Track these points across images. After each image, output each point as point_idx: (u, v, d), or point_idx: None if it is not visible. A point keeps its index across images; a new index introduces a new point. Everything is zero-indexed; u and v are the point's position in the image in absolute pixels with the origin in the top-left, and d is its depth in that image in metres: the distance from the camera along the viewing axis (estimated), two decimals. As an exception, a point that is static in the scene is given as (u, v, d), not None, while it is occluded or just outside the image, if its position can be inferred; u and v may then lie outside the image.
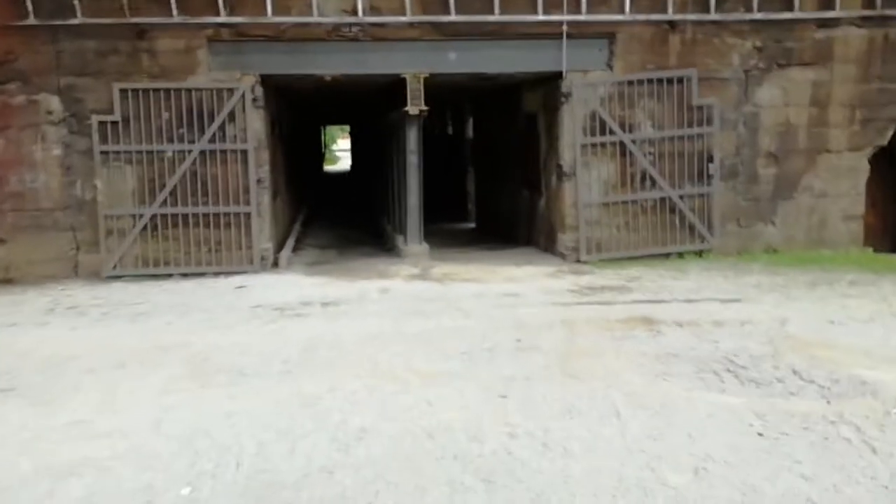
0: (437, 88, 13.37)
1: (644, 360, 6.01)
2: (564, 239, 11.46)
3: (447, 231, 18.45)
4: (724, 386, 5.40)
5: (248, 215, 10.81)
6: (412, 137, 11.79)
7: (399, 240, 13.29)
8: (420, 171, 11.92)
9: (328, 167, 50.73)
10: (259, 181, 10.86)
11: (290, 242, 13.26)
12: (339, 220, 21.67)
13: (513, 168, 14.62)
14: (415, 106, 11.25)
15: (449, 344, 6.64)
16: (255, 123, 10.83)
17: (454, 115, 21.29)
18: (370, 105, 17.76)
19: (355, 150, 38.34)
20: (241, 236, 10.84)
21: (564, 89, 11.20)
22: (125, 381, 5.85)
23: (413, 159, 11.82)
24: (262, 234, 11.00)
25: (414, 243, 12.07)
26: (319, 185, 31.77)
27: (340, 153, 58.80)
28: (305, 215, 19.82)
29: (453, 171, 21.02)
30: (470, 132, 19.57)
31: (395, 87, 12.49)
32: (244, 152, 10.74)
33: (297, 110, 20.38)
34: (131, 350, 6.74)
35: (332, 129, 53.92)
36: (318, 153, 39.90)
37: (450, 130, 22.32)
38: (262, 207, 10.98)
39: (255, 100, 10.74)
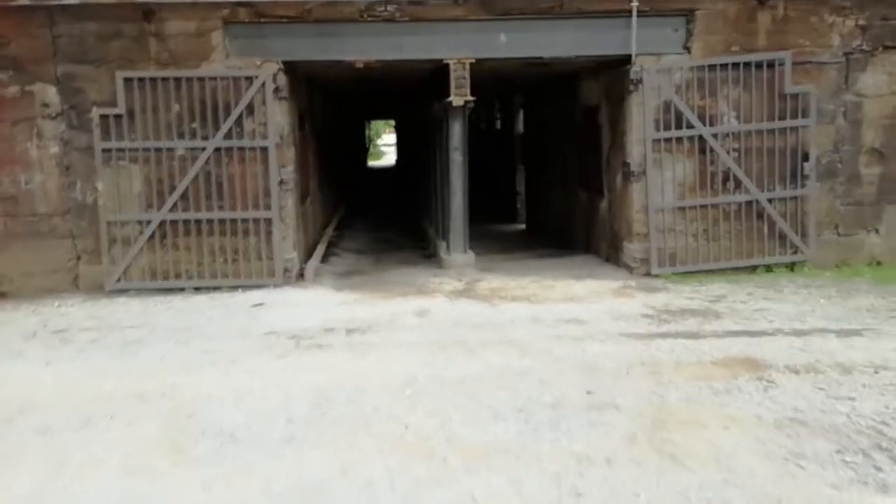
0: (485, 77, 11.91)
1: (762, 430, 4.50)
2: (632, 249, 9.92)
3: (494, 233, 17.00)
4: (885, 479, 3.87)
5: (268, 221, 9.47)
6: (456, 132, 10.34)
7: (441, 246, 11.87)
8: (465, 171, 10.47)
9: (373, 163, 49.65)
10: (282, 182, 9.51)
11: (321, 250, 11.90)
12: (380, 220, 20.34)
13: (568, 166, 13.10)
14: (459, 96, 9.80)
15: (499, 396, 5.20)
16: (278, 117, 9.47)
17: (503, 107, 19.79)
18: (412, 97, 16.36)
19: (400, 145, 36.99)
20: (260, 245, 9.52)
21: (633, 76, 9.65)
22: (80, 449, 4.52)
23: (457, 157, 10.37)
24: (286, 243, 9.65)
25: (458, 252, 10.63)
26: (361, 182, 30.52)
27: (386, 148, 57.51)
28: (342, 216, 18.53)
29: (501, 168, 19.53)
30: (520, 126, 18.06)
31: (437, 76, 11.06)
32: (264, 150, 9.40)
33: (336, 103, 19.09)
34: (104, 398, 5.42)
35: (377, 124, 52.98)
36: (361, 148, 38.74)
37: (498, 125, 20.83)
38: (285, 212, 9.64)
39: (277, 90, 9.39)
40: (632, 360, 5.91)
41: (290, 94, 10.03)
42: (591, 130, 11.78)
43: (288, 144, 9.81)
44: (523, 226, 17.59)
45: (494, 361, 6.05)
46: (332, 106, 18.25)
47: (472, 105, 10.17)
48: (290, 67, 9.84)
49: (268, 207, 9.45)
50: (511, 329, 7.15)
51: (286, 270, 9.61)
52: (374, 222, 19.81)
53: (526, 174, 17.09)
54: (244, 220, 9.47)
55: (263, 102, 9.36)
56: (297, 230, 10.20)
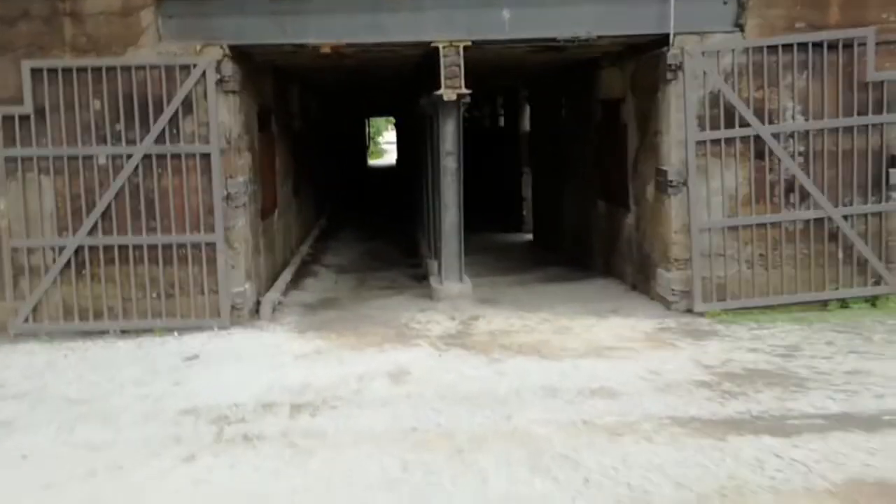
0: (485, 66, 9.94)
1: None
2: (669, 278, 7.94)
3: (497, 245, 15.03)
4: None
5: (212, 246, 7.53)
6: (449, 133, 8.37)
7: (432, 269, 9.93)
8: (460, 181, 8.49)
9: (374, 161, 47.76)
10: (229, 197, 7.56)
11: (287, 275, 9.91)
12: (374, 226, 18.40)
13: (584, 171, 11.12)
14: (451, 88, 7.84)
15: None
16: (224, 115, 7.52)
17: (507, 102, 17.79)
18: (408, 91, 14.38)
19: (400, 144, 35.01)
20: (202, 277, 7.57)
21: (671, 61, 7.67)
22: None
23: (450, 163, 8.40)
24: (235, 273, 7.70)
25: (452, 280, 8.67)
26: (359, 183, 28.57)
27: (387, 146, 55.59)
28: (329, 225, 16.58)
29: (505, 171, 17.54)
30: (526, 124, 16.07)
31: (427, 65, 9.11)
32: (206, 157, 7.44)
33: (325, 99, 17.15)
34: None
35: (378, 121, 51.05)
36: (361, 147, 36.80)
37: (501, 122, 18.83)
38: (234, 234, 7.68)
39: (222, 81, 7.44)
40: (705, 486, 3.92)
41: (244, 87, 8.08)
42: (612, 129, 9.81)
43: (239, 149, 7.86)
44: (530, 236, 15.62)
45: (494, 483, 4.07)
46: (319, 102, 16.31)
47: (467, 100, 8.21)
48: (242, 54, 7.89)
49: (211, 229, 7.50)
50: (517, 409, 5.19)
51: (235, 308, 7.66)
52: (366, 229, 17.86)
53: (533, 178, 15.11)
54: (181, 246, 7.53)
55: (205, 97, 7.40)
56: (252, 255, 8.25)
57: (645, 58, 8.38)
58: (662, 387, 5.58)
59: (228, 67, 7.45)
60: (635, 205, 9.00)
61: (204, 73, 7.33)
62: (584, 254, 11.31)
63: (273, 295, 8.47)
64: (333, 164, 19.71)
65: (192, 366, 6.50)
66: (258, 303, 8.23)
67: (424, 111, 9.43)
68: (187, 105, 7.39)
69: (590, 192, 10.87)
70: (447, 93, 7.80)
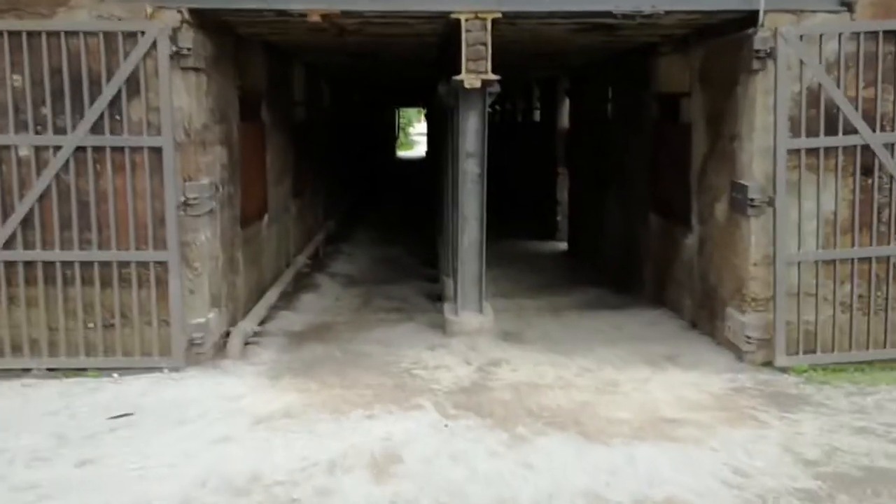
0: (518, 49, 8.27)
1: None
2: (743, 322, 6.21)
3: (527, 255, 13.30)
4: None
5: (163, 266, 5.92)
6: (471, 130, 6.67)
7: (448, 289, 8.29)
8: (482, 189, 6.79)
9: (403, 153, 46.16)
10: (187, 204, 5.94)
11: (270, 297, 8.23)
12: (394, 227, 16.77)
13: (632, 178, 9.39)
14: (474, 73, 6.15)
15: None
16: (182, 99, 5.90)
17: (544, 94, 16.02)
18: (427, 77, 12.70)
19: (430, 135, 33.27)
20: (152, 304, 5.97)
21: (760, 45, 5.93)
22: None
23: (472, 168, 6.71)
24: (195, 299, 6.10)
25: (470, 310, 7.00)
26: (384, 177, 26.98)
27: (419, 137, 53.95)
28: (342, 226, 14.96)
29: (539, 170, 15.79)
30: (564, 120, 14.31)
31: (448, 45, 7.46)
32: (157, 152, 5.83)
33: (343, 85, 15.55)
34: None
35: (410, 111, 49.41)
36: (388, 139, 35.22)
37: (537, 115, 17.08)
38: (193, 251, 6.07)
39: (179, 55, 5.81)
40: None
41: (215, 65, 6.48)
42: (672, 130, 8.10)
43: (203, 143, 6.24)
44: (564, 245, 13.88)
45: None
46: (334, 89, 14.70)
47: (495, 88, 6.52)
48: (212, 23, 6.28)
49: (163, 244, 5.89)
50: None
51: (193, 344, 6.06)
52: (386, 230, 16.25)
53: (571, 181, 13.35)
54: (124, 265, 5.94)
55: (156, 75, 5.78)
56: (222, 274, 6.65)
57: (720, 42, 6.64)
58: (754, 498, 3.89)
59: (188, 37, 5.82)
60: (699, 224, 7.26)
61: (154, 44, 5.72)
62: (629, 274, 9.58)
63: (247, 325, 6.83)
64: (352, 157, 18.10)
65: (117, 430, 4.91)
66: (227, 334, 6.62)
67: (444, 102, 7.75)
68: (133, 84, 5.79)
69: (639, 202, 9.13)
70: (469, 79, 6.12)
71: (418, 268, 12.17)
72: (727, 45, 6.50)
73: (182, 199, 5.89)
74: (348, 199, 16.80)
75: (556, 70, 13.00)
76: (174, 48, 5.76)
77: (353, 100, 18.75)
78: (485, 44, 6.02)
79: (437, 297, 9.36)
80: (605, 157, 10.54)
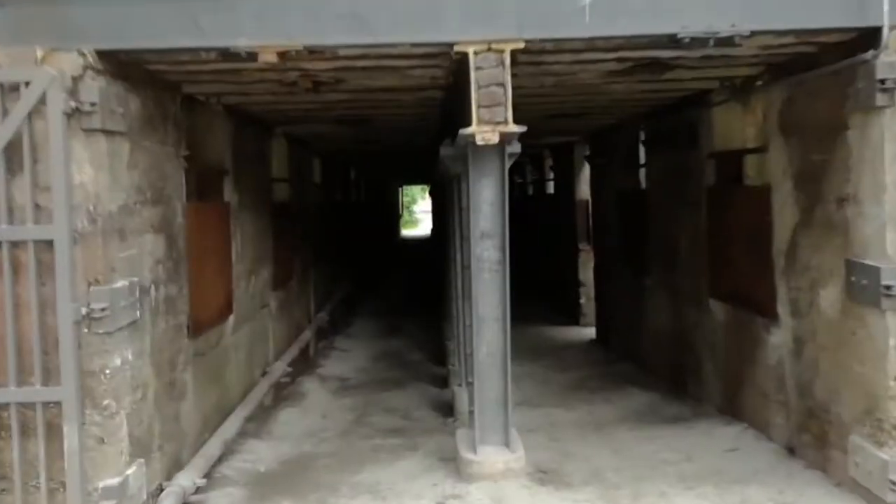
0: (534, 105, 6.69)
1: None
2: (885, 459, 4.38)
3: (548, 344, 11.48)
4: None
5: (56, 408, 4.15)
6: (485, 202, 4.94)
7: (460, 402, 6.57)
8: (505, 281, 5.01)
9: (407, 232, 44.83)
10: (91, 318, 4.20)
11: (230, 426, 6.35)
12: (397, 313, 15.04)
13: (682, 255, 7.67)
14: (488, 125, 4.45)
15: None
16: (84, 172, 4.22)
17: (558, 162, 14.43)
18: (428, 146, 11.12)
19: (435, 213, 31.73)
20: (40, 461, 4.18)
21: (886, 73, 4.27)
22: None
23: (489, 252, 4.96)
24: (107, 451, 4.31)
25: (492, 444, 5.18)
26: (387, 258, 25.35)
27: (423, 214, 52.79)
28: (338, 315, 13.21)
29: (557, 247, 14.09)
30: (584, 190, 12.68)
31: (453, 94, 5.84)
32: (48, 247, 4.12)
33: (339, 162, 14.06)
34: None
35: (414, 189, 48.27)
36: (391, 217, 33.74)
37: (550, 187, 15.46)
38: (103, 384, 4.30)
39: (79, 112, 4.16)
40: None
41: (143, 128, 4.84)
42: (737, 196, 6.43)
43: (120, 231, 4.52)
44: (591, 331, 12.06)
45: None
46: (328, 165, 13.18)
47: (516, 147, 4.84)
48: (135, 70, 4.67)
49: (56, 377, 4.13)
50: None
51: (100, 515, 4.24)
52: (388, 317, 14.54)
53: (597, 259, 11.60)
54: (3, 407, 4.17)
55: (52, 138, 4.12)
56: (152, 409, 4.87)
57: (811, 78, 4.98)
58: None
59: (93, 89, 4.18)
60: (793, 317, 5.49)
61: (44, 98, 4.07)
62: (683, 375, 7.77)
63: (185, 478, 4.98)
64: (350, 238, 16.47)
65: None
66: (159, 491, 4.80)
67: (448, 170, 6.07)
68: (15, 154, 4.13)
69: (693, 286, 7.38)
70: (483, 132, 4.42)
71: (424, 365, 10.41)
72: (824, 81, 4.85)
73: (84, 310, 4.16)
74: (345, 285, 15.09)
75: (575, 134, 11.41)
76: (72, 104, 4.12)
77: (349, 177, 17.24)
78: (502, 84, 4.36)
79: (447, 409, 7.59)
80: (641, 231, 8.83)
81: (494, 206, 4.88)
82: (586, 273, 12.55)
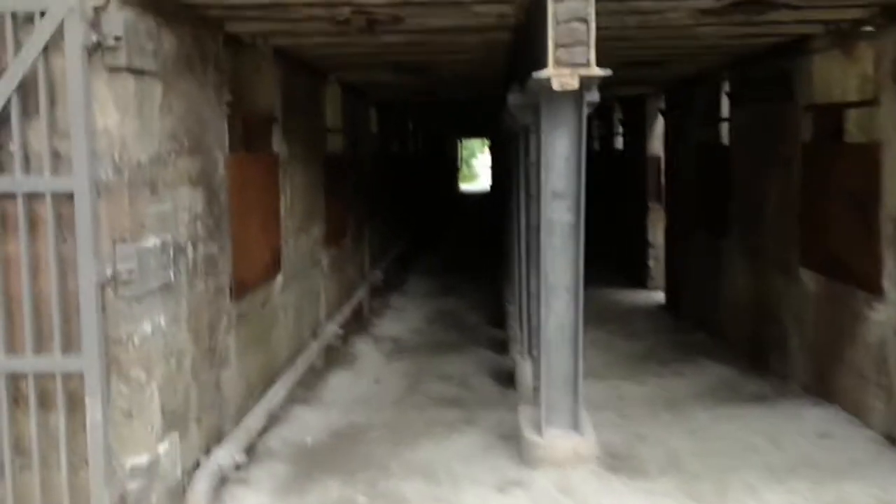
0: (610, 52, 6.01)
1: None
2: None
3: (614, 308, 10.90)
4: None
5: (78, 380, 3.75)
6: (558, 157, 4.34)
7: (522, 375, 6.05)
8: (578, 246, 4.43)
9: (466, 186, 44.23)
10: (116, 280, 3.77)
11: (278, 391, 5.94)
12: (454, 271, 14.59)
13: (766, 220, 6.98)
14: (567, 67, 3.83)
15: None
16: (109, 116, 3.75)
17: (628, 117, 13.65)
18: (491, 97, 10.49)
19: (494, 167, 31.07)
20: (61, 437, 3.80)
21: None
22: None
23: (561, 214, 4.38)
24: (135, 426, 3.91)
25: (559, 426, 4.67)
26: (444, 213, 24.87)
27: (483, 169, 52.12)
28: (394, 272, 12.81)
29: (625, 206, 13.39)
30: (656, 146, 11.95)
31: (523, 39, 5.24)
32: (69, 200, 3.69)
33: (395, 112, 13.55)
34: None
35: (474, 143, 47.53)
36: (449, 172, 33.20)
37: (618, 143, 14.70)
38: (130, 353, 3.88)
39: (101, 47, 3.67)
40: None
41: (179, 69, 4.37)
42: (838, 154, 5.70)
43: (152, 184, 4.07)
44: (659, 296, 11.43)
45: None
46: (384, 116, 12.67)
47: (595, 96, 4.23)
48: (170, 4, 4.17)
49: (76, 345, 3.73)
50: None
51: (127, 498, 3.85)
52: (445, 276, 14.09)
53: (668, 220, 10.90)
54: (17, 377, 3.79)
55: (78, 77, 3.66)
56: (190, 379, 4.47)
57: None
58: None
59: (118, 21, 3.68)
60: (905, 292, 4.83)
61: (62, 29, 3.60)
62: (763, 347, 7.14)
63: (224, 455, 4.58)
64: (407, 193, 15.99)
65: None
66: (195, 469, 4.42)
67: (515, 120, 5.48)
68: (30, 95, 3.68)
69: (780, 252, 6.71)
70: (560, 75, 3.81)
71: (482, 328, 9.93)
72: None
73: (109, 272, 3.73)
74: (402, 242, 14.65)
75: (649, 86, 10.65)
76: (94, 37, 3.64)
77: (407, 128, 16.69)
78: (585, 19, 3.75)
79: (507, 377, 7.10)
80: (721, 191, 8.13)
81: (569, 162, 4.29)
82: (656, 234, 11.88)
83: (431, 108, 14.87)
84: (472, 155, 53.64)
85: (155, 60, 4.06)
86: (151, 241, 4.00)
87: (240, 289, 5.44)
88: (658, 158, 11.78)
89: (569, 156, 4.30)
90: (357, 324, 9.71)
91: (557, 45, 3.74)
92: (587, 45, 3.74)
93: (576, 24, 3.71)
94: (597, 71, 3.77)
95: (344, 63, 7.59)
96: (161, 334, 4.13)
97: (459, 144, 38.75)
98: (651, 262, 12.15)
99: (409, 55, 6.85)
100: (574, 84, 3.78)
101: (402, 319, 10.60)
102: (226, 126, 5.23)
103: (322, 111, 8.39)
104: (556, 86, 3.78)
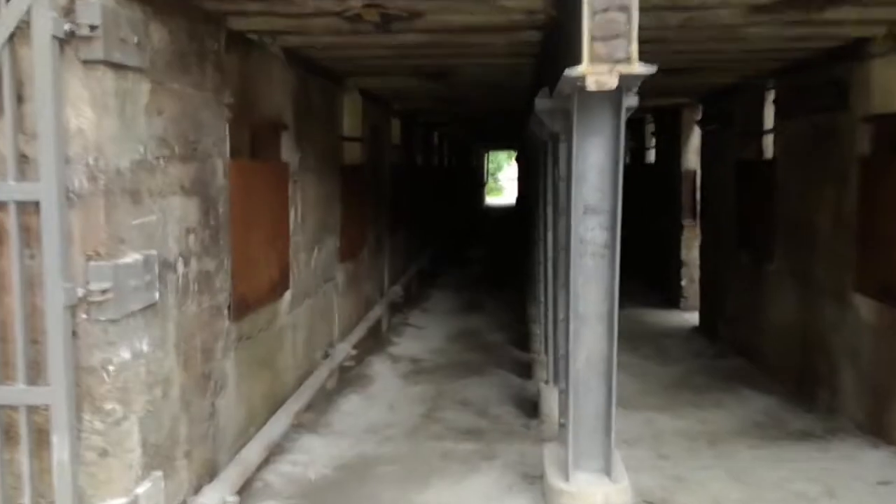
0: (652, 47, 5.53)
1: None
2: None
3: (645, 330, 10.34)
4: None
5: (43, 413, 3.30)
6: (592, 167, 3.84)
7: (546, 404, 5.55)
8: (614, 266, 3.92)
9: (492, 200, 43.81)
10: (88, 302, 3.32)
11: (279, 422, 5.46)
12: (478, 287, 14.12)
13: (816, 242, 6.42)
14: (604, 62, 3.33)
15: None
16: (82, 115, 3.32)
17: (661, 128, 13.12)
18: (517, 107, 10.02)
19: (522, 179, 30.50)
20: (24, 475, 3.35)
21: None
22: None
23: (594, 232, 3.88)
24: (110, 465, 3.45)
25: (589, 470, 4.15)
26: (469, 226, 24.38)
27: (509, 182, 51.81)
28: (415, 287, 12.36)
29: (657, 222, 12.83)
30: (690, 159, 11.40)
31: (554, 39, 4.76)
32: (35, 210, 3.25)
33: (419, 123, 13.14)
34: None
35: (500, 156, 47.12)
36: (475, 184, 32.75)
37: (650, 156, 14.16)
38: (105, 383, 3.43)
39: (74, 37, 3.24)
40: None
41: (171, 65, 3.94)
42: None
43: (134, 192, 3.63)
44: (693, 316, 10.84)
45: None
46: (408, 127, 12.28)
47: (633, 100, 3.74)
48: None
49: (44, 374, 3.29)
50: None
51: (99, 549, 3.40)
52: (468, 291, 13.62)
53: (704, 237, 10.32)
54: (-21, 408, 3.36)
55: (37, 70, 3.23)
56: (178, 410, 4.01)
57: None
58: None
59: (94, 7, 3.25)
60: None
61: (29, 15, 3.17)
62: (811, 379, 6.56)
63: (212, 495, 4.11)
64: (430, 205, 15.54)
65: None
66: (181, 511, 3.96)
67: (543, 127, 5.00)
68: (-4, 91, 3.26)
69: (833, 276, 6.15)
70: (596, 73, 3.31)
71: (505, 349, 9.42)
72: None
73: (80, 292, 3.29)
74: (425, 256, 14.19)
75: (685, 95, 10.11)
76: (67, 26, 3.21)
77: (431, 139, 16.26)
78: (626, 8, 3.25)
79: (531, 406, 6.59)
80: (765, 208, 7.57)
81: (604, 174, 3.80)
82: (689, 252, 11.32)
83: (457, 118, 14.44)
84: (499, 168, 53.26)
85: (140, 55, 3.62)
86: (132, 257, 3.55)
87: (240, 308, 4.99)
88: (693, 173, 11.23)
89: (604, 167, 3.81)
90: (375, 342, 9.26)
91: (594, 39, 3.25)
92: (628, 38, 3.25)
93: (615, 14, 3.23)
94: (639, 68, 3.27)
95: (362, 68, 7.15)
96: (143, 361, 3.68)
97: (486, 157, 38.31)
98: (684, 282, 11.57)
99: (430, 58, 6.40)
100: (612, 83, 3.28)
101: (422, 337, 10.13)
102: (227, 131, 4.79)
103: (339, 119, 7.96)
104: (591, 85, 3.28)
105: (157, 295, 3.78)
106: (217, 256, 4.61)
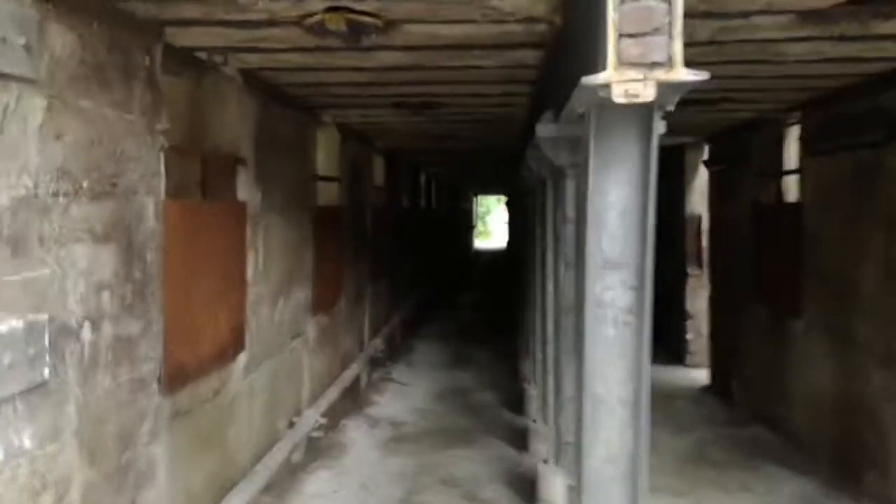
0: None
1: None
2: None
3: (653, 389, 9.35)
4: None
5: None
6: (613, 211, 2.98)
7: (547, 491, 4.58)
8: (642, 338, 3.05)
9: (481, 244, 43.11)
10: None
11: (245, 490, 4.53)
12: (467, 338, 13.20)
13: (855, 300, 5.56)
14: (637, 67, 2.47)
15: None
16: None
17: (665, 169, 12.31)
18: (511, 145, 9.21)
19: (512, 223, 29.75)
20: None
21: None
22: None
23: (614, 294, 3.00)
24: None
25: None
26: (458, 271, 23.50)
27: (498, 226, 51.32)
28: (399, 338, 11.43)
29: (658, 266, 11.92)
30: (695, 203, 10.61)
31: (565, 37, 3.93)
32: None
33: (404, 164, 12.33)
34: None
35: (489, 200, 46.61)
36: (464, 228, 31.98)
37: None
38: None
39: None
40: None
41: (82, 79, 3.10)
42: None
43: (14, 240, 2.75)
44: (702, 374, 9.92)
45: None
46: (391, 167, 11.47)
47: (660, 126, 2.87)
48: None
49: None
50: None
51: None
52: (456, 343, 12.75)
53: (714, 290, 9.46)
54: None
55: None
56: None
57: None
58: None
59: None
60: None
61: None
62: (856, 457, 5.65)
63: None
64: (416, 250, 14.66)
65: None
66: None
67: (541, 161, 4.14)
68: None
69: (881, 337, 5.28)
70: (626, 80, 2.44)
71: (496, 411, 8.51)
72: None
73: (-81, 375, 2.39)
74: (410, 305, 13.29)
75: (690, 133, 9.34)
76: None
77: (418, 181, 15.45)
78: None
79: (528, 487, 5.66)
80: (790, 257, 6.73)
81: (629, 217, 2.93)
82: (695, 303, 10.46)
83: (444, 159, 13.67)
84: (488, 211, 52.76)
85: (30, 62, 2.78)
86: (7, 325, 2.66)
87: (175, 378, 4.08)
88: (698, 217, 10.43)
89: (628, 206, 2.95)
90: (352, 402, 8.34)
91: (622, 35, 2.40)
92: (670, 34, 2.41)
93: (651, 2, 2.39)
94: (685, 74, 2.42)
95: (338, 98, 6.34)
96: (24, 461, 2.77)
97: (475, 200, 37.67)
98: (689, 336, 10.68)
99: (412, 85, 5.58)
100: (647, 95, 2.42)
101: (405, 396, 9.20)
102: (161, 163, 3.92)
103: (312, 155, 7.13)
104: (618, 97, 2.42)
105: (46, 372, 2.88)
106: (143, 317, 3.71)
